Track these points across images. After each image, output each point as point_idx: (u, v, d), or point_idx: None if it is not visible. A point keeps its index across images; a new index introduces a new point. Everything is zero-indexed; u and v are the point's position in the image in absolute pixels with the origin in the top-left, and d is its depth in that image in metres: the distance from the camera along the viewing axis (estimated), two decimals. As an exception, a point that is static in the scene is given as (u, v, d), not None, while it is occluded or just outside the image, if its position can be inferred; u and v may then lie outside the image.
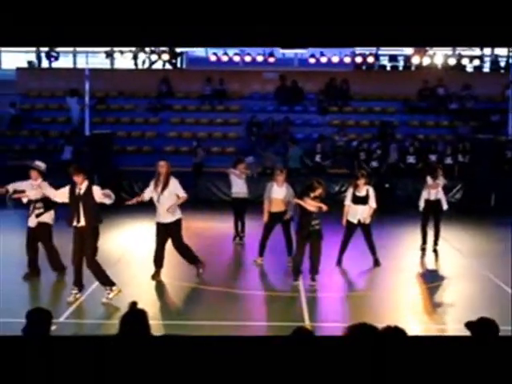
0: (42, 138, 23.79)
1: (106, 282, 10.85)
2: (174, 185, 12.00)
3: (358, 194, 13.16)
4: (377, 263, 13.35)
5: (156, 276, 12.15)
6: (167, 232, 12.08)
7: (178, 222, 12.14)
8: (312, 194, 11.72)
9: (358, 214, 13.18)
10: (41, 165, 12.20)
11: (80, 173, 10.74)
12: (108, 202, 10.80)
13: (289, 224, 13.26)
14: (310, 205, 11.71)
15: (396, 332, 4.96)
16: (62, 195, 11.05)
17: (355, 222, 13.21)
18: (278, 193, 13.08)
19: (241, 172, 15.34)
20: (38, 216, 12.00)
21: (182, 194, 12.03)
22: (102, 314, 10.36)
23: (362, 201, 13.16)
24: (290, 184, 13.42)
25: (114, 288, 10.79)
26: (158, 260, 12.16)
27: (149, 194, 12.10)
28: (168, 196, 11.92)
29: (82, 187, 10.74)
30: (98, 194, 10.75)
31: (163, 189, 11.90)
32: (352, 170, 22.28)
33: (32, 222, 12.05)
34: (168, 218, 11.98)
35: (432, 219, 14.75)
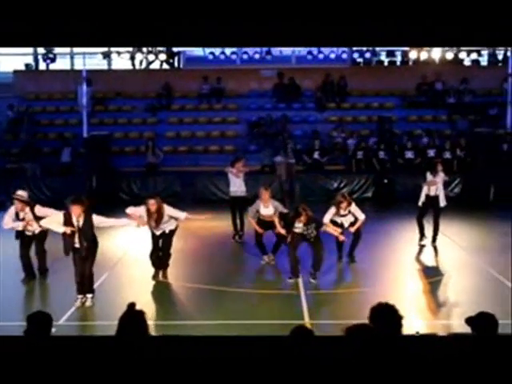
0: (30, 139, 23.73)
1: (91, 288, 11.00)
2: (169, 213, 12.00)
3: (338, 215, 13.02)
4: (353, 260, 13.34)
5: (156, 276, 12.17)
6: (161, 236, 12.17)
7: (173, 230, 12.25)
8: (297, 221, 11.83)
9: (339, 221, 13.08)
10: (23, 194, 12.16)
11: (78, 205, 10.58)
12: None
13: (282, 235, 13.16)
14: (335, 230, 12.62)
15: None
16: (56, 224, 10.92)
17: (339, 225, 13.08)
18: (267, 211, 13.12)
19: (238, 171, 15.32)
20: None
21: (183, 216, 12.12)
22: (101, 316, 10.32)
23: (343, 216, 13.07)
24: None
25: (93, 294, 10.99)
26: (156, 261, 12.19)
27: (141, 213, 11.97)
28: (164, 223, 11.99)
29: (81, 219, 10.63)
30: (98, 221, 10.82)
31: (158, 223, 11.91)
32: (350, 168, 22.35)
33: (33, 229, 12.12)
34: (171, 226, 12.14)
35: (431, 215, 14.73)
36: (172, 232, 12.23)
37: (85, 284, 10.87)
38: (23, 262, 12.17)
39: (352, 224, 13.09)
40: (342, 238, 12.87)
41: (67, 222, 10.65)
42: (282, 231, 12.66)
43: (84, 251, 10.70)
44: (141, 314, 5.38)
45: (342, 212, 12.91)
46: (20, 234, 12.18)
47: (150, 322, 5.45)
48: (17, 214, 12.06)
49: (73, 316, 10.31)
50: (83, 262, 10.79)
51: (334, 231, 12.76)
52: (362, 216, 13.05)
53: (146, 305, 10.12)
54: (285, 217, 12.86)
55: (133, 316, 5.34)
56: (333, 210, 12.86)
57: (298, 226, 11.91)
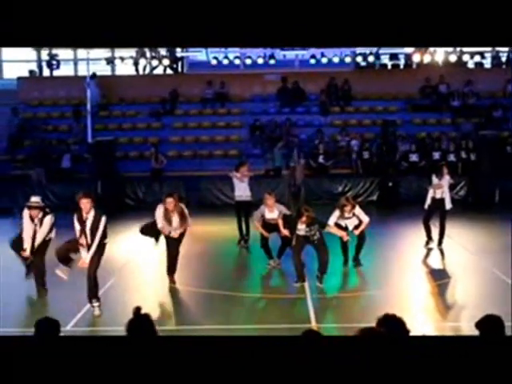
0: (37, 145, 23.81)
1: (96, 295, 10.81)
2: (184, 213, 12.09)
3: (342, 218, 13.02)
4: (358, 263, 13.28)
5: (172, 281, 12.24)
6: (174, 239, 12.19)
7: (183, 233, 12.28)
8: (299, 222, 11.82)
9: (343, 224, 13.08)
10: (38, 200, 11.85)
11: (88, 198, 10.55)
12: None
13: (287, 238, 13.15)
14: (337, 231, 12.58)
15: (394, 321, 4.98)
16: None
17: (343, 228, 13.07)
18: (272, 215, 13.13)
19: (242, 175, 15.31)
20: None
21: (188, 224, 12.20)
22: (108, 321, 10.28)
23: (347, 219, 13.06)
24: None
25: (99, 301, 10.81)
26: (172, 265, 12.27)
27: (161, 221, 12.09)
28: (180, 221, 12.06)
29: (89, 216, 10.54)
30: (103, 224, 10.66)
31: (173, 223, 11.98)
32: (353, 170, 22.38)
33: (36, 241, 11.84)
34: (179, 230, 12.15)
35: (437, 217, 14.71)
36: (182, 235, 12.25)
37: (89, 289, 10.77)
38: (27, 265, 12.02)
39: (356, 227, 13.08)
40: (346, 237, 12.80)
41: (79, 219, 10.57)
42: (286, 232, 12.65)
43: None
44: (147, 317, 5.38)
45: (347, 215, 12.90)
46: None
47: (157, 327, 5.44)
48: (31, 219, 11.73)
49: (79, 322, 10.28)
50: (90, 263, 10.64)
51: (337, 231, 12.74)
52: (366, 219, 13.03)
53: (153, 310, 10.10)
54: (288, 218, 12.85)
55: (140, 320, 5.35)
56: (337, 212, 12.87)
57: (301, 228, 11.90)
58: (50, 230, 11.78)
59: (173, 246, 12.16)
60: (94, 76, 25.21)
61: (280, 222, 12.94)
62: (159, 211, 12.08)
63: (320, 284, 11.91)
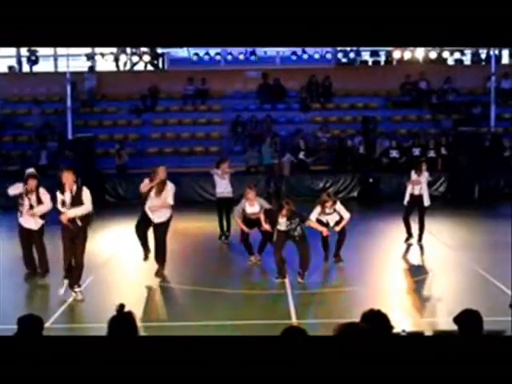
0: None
1: (79, 281, 11.06)
2: (169, 190, 12.12)
3: (323, 214, 13.03)
4: (339, 259, 13.28)
5: (158, 273, 12.25)
6: (157, 228, 12.22)
7: (168, 221, 12.31)
8: (280, 215, 11.86)
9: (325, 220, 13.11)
10: (34, 171, 12.25)
11: (70, 171, 10.88)
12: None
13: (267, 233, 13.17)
14: (318, 226, 12.49)
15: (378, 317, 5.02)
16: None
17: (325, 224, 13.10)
18: (253, 209, 13.13)
19: (223, 172, 15.31)
20: (41, 217, 12.10)
21: (169, 201, 12.13)
22: (89, 318, 10.28)
23: (328, 215, 13.09)
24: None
25: (81, 287, 11.09)
26: (142, 237, 12.38)
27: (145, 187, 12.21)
28: (162, 199, 12.06)
29: (72, 189, 10.82)
30: (87, 196, 10.91)
31: (160, 192, 12.06)
32: (333, 167, 22.42)
33: (32, 223, 12.08)
34: (161, 218, 12.16)
35: (416, 213, 14.78)
36: (167, 223, 12.26)
37: (72, 275, 10.94)
38: (27, 257, 12.24)
39: (337, 223, 13.11)
40: (325, 232, 12.78)
41: (61, 192, 10.80)
42: (268, 227, 12.66)
43: (75, 228, 10.81)
44: (130, 315, 5.36)
45: (328, 211, 12.93)
46: (20, 230, 12.20)
47: (138, 324, 5.44)
48: (21, 196, 11.97)
49: (59, 319, 10.21)
50: (73, 245, 10.88)
51: (318, 226, 12.74)
52: (346, 215, 13.07)
53: (134, 306, 10.05)
54: (270, 213, 12.86)
55: (122, 318, 5.33)
56: (318, 208, 12.89)
57: (282, 222, 11.92)
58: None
59: (159, 232, 12.19)
60: (91, 70, 25.35)
61: (262, 217, 12.95)
62: (144, 183, 12.29)
63: (301, 280, 11.96)
